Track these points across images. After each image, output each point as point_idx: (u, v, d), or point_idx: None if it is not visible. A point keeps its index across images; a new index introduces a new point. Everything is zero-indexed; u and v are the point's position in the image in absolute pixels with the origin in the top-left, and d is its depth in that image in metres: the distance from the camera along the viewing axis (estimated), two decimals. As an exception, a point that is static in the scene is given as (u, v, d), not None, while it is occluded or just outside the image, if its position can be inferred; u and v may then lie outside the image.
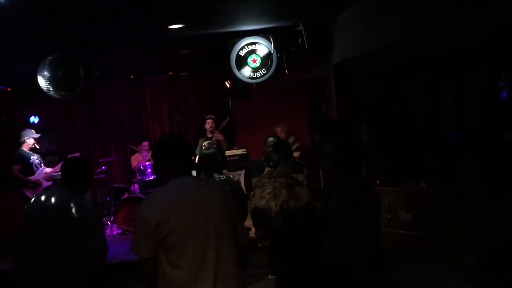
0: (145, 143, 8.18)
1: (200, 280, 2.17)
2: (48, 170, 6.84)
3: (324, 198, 1.26)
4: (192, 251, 2.17)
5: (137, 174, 7.56)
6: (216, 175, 4.26)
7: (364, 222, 2.78)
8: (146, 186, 7.43)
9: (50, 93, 5.19)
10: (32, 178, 6.67)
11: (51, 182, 6.74)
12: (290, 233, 1.22)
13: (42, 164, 6.92)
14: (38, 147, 6.94)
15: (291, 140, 7.53)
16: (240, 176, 7.29)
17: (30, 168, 6.69)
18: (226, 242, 2.26)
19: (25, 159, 6.70)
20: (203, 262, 2.18)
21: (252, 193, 1.29)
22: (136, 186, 7.53)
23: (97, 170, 7.56)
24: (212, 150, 4.59)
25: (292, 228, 1.22)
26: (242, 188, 4.65)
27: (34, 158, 6.81)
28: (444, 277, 4.46)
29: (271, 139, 5.43)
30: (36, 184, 6.68)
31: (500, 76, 8.15)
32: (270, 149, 5.17)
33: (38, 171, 6.78)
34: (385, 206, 6.40)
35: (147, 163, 7.57)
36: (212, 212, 2.26)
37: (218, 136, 7.07)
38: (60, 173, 3.11)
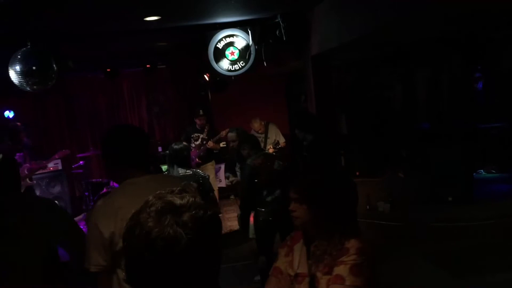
0: None
1: None
2: None
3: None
4: None
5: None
6: (181, 170, 4.17)
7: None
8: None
9: (23, 87, 5.06)
10: None
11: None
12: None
13: None
14: None
15: (271, 139, 6.86)
16: (220, 169, 7.25)
17: None
18: None
19: None
20: None
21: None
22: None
23: (75, 165, 7.43)
24: (181, 145, 4.38)
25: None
26: (210, 184, 4.54)
27: None
28: (419, 265, 4.55)
29: (231, 134, 5.37)
30: None
31: (475, 67, 8.30)
32: (236, 143, 5.13)
33: None
34: (364, 197, 6.48)
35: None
36: None
37: (213, 145, 6.69)
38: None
